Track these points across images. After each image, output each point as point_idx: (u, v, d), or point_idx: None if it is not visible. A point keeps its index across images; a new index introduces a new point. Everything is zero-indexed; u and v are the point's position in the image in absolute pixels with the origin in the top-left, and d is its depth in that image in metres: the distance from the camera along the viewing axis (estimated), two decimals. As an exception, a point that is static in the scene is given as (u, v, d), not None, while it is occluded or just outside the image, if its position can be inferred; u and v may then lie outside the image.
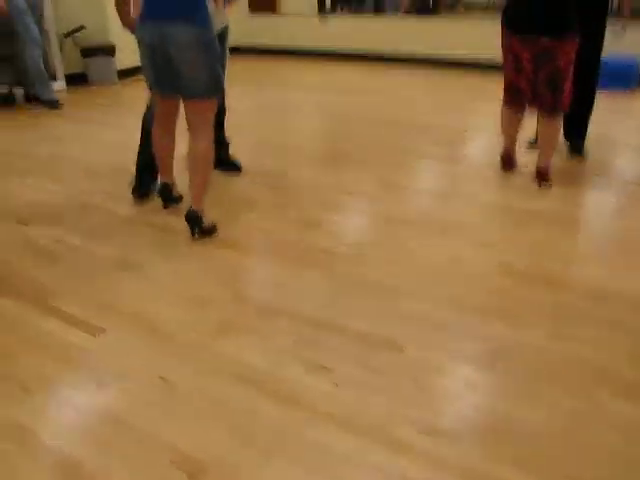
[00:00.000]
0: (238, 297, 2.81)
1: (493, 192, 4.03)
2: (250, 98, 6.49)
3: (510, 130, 4.27)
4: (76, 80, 7.24)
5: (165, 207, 3.71)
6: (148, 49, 3.17)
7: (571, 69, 3.86)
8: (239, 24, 8.63)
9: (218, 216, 3.53)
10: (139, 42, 3.22)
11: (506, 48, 3.99)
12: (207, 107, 3.22)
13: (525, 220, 3.56)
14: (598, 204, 3.85)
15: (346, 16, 9.50)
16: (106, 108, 6.46)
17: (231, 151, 4.34)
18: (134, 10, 3.43)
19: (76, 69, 7.30)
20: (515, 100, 4.12)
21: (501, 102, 4.23)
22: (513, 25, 3.90)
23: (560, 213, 3.68)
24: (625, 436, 1.96)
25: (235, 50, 8.40)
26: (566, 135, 4.62)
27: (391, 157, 4.71)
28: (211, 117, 3.26)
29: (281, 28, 9.21)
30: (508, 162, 4.31)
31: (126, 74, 7.38)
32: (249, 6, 9.41)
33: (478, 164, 4.54)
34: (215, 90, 3.20)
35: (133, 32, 3.30)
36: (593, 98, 4.50)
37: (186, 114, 3.25)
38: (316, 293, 2.84)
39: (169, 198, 3.70)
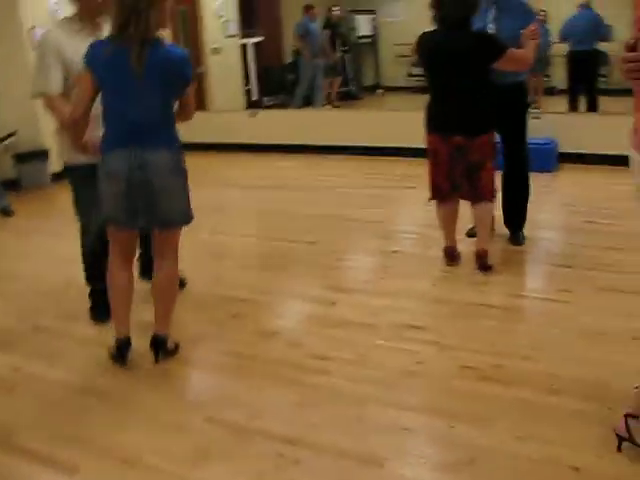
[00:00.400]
0: (209, 420, 2.82)
1: (441, 288, 4.16)
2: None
3: (446, 224, 4.42)
4: (8, 186, 7.18)
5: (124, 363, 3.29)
6: (120, 179, 2.95)
7: (489, 160, 4.15)
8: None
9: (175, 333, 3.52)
10: (105, 173, 3.01)
11: (427, 144, 4.25)
12: (178, 233, 3.18)
13: (475, 314, 3.69)
14: (540, 292, 4.03)
15: (275, 110, 9.77)
16: (46, 216, 6.42)
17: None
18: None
19: (9, 175, 7.25)
20: (441, 195, 4.31)
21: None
22: (432, 123, 4.20)
23: (506, 305, 3.85)
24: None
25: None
26: (505, 224, 4.81)
27: (332, 256, 4.82)
28: (178, 241, 3.20)
29: (212, 124, 9.34)
30: (451, 255, 4.43)
31: (60, 177, 7.35)
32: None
33: (422, 259, 4.66)
34: (190, 217, 3.17)
35: (90, 154, 3.15)
36: (527, 188, 4.68)
37: (156, 244, 3.20)
38: (285, 408, 2.88)
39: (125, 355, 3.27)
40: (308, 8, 11.01)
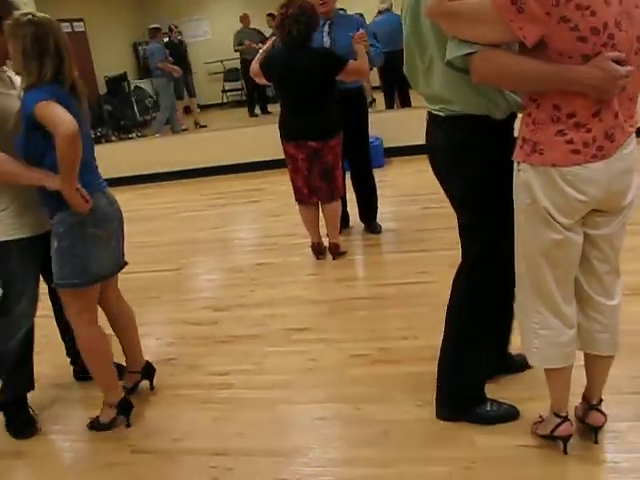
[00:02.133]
0: (136, 451, 2.93)
1: (312, 290, 4.45)
2: None
3: (310, 223, 4.86)
4: None
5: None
6: (112, 219, 2.93)
7: (339, 160, 4.68)
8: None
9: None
10: (97, 219, 2.82)
11: (285, 152, 4.66)
12: None
13: (349, 308, 4.04)
14: (402, 278, 4.42)
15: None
16: None
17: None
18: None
19: None
20: (302, 198, 4.75)
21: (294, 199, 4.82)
22: (286, 134, 4.64)
23: (374, 294, 4.22)
24: None
25: None
26: (361, 219, 5.40)
27: (200, 278, 5.02)
28: None
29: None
30: (318, 250, 4.90)
31: None
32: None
33: (286, 266, 4.93)
34: None
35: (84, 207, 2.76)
36: (373, 183, 5.30)
37: (112, 287, 3.14)
38: (204, 425, 3.06)
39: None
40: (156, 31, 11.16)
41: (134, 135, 11.67)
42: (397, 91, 9.19)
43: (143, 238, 6.01)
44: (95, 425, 3.13)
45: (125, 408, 3.12)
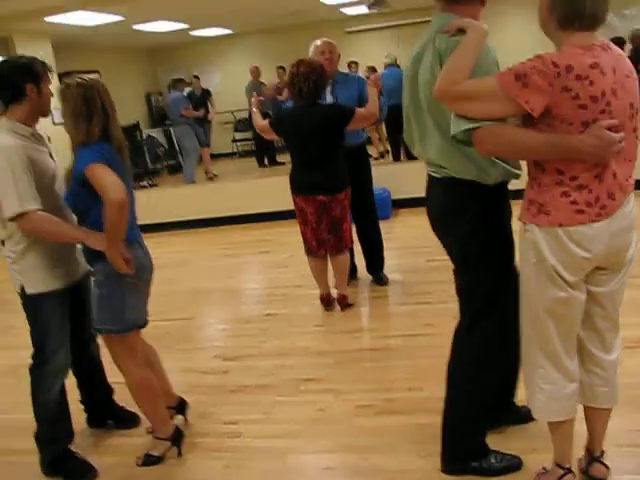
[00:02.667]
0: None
1: (320, 341, 4.55)
2: None
3: (319, 274, 4.99)
4: None
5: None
6: (147, 269, 3.19)
7: (348, 213, 4.84)
8: None
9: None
10: (138, 267, 3.01)
11: (295, 205, 4.83)
12: None
13: (356, 359, 4.14)
14: (407, 330, 4.52)
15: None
16: None
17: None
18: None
19: None
20: (311, 249, 4.89)
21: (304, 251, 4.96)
22: (296, 187, 4.81)
23: (380, 346, 4.33)
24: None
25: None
26: (368, 271, 5.53)
27: (211, 328, 5.14)
28: None
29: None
30: (327, 302, 5.02)
31: None
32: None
33: (295, 317, 5.05)
34: None
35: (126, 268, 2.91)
36: (379, 236, 5.47)
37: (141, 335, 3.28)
38: (215, 474, 3.15)
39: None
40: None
41: (145, 183, 11.90)
42: (403, 144, 9.40)
43: (154, 287, 6.10)
44: (149, 460, 3.25)
45: (178, 439, 3.30)
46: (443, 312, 4.54)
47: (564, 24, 2.15)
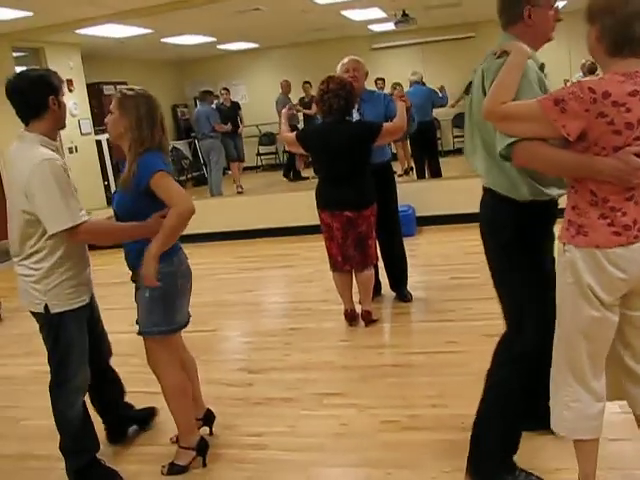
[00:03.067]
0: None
1: (344, 356, 4.58)
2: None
3: (344, 290, 5.03)
4: None
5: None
6: (189, 275, 3.23)
7: (373, 229, 4.87)
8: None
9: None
10: (182, 272, 3.14)
11: (320, 221, 4.88)
12: None
13: (380, 375, 4.17)
14: (431, 347, 4.54)
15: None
16: None
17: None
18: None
19: None
20: (336, 265, 4.93)
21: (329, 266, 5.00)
22: (322, 203, 4.87)
23: (404, 362, 4.34)
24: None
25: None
26: (392, 287, 5.56)
27: (235, 340, 5.19)
28: None
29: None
30: (351, 317, 5.05)
31: None
32: None
33: (319, 332, 5.09)
34: None
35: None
36: (403, 252, 5.50)
37: (180, 340, 3.39)
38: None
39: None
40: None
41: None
42: (427, 161, 9.45)
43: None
44: (174, 469, 3.28)
45: (203, 449, 3.33)
46: (466, 330, 4.60)
47: (614, 51, 2.23)
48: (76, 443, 3.21)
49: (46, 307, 3.00)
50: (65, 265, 3.02)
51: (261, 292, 6.48)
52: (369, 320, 5.01)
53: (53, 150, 2.99)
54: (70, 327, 3.06)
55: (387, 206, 5.21)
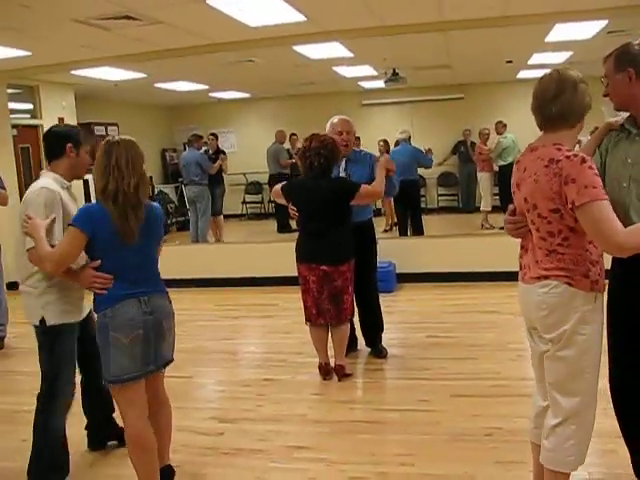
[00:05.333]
0: None
1: (316, 410, 4.58)
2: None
3: (319, 344, 5.05)
4: None
5: None
6: (136, 326, 3.09)
7: (350, 285, 4.91)
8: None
9: None
10: (118, 325, 3.08)
11: (298, 273, 4.96)
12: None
13: (351, 431, 4.17)
14: (403, 404, 4.54)
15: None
16: None
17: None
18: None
19: None
20: (312, 318, 4.97)
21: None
22: (300, 255, 4.95)
23: (375, 419, 4.35)
24: None
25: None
26: (367, 343, 5.63)
27: (209, 388, 5.19)
28: None
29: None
30: (325, 371, 5.05)
31: None
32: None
33: (293, 384, 5.10)
34: None
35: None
36: (379, 309, 5.55)
37: (152, 390, 3.33)
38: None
39: None
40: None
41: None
42: (410, 218, 9.55)
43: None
44: None
45: None
46: (439, 389, 4.63)
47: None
48: (55, 458, 3.46)
49: (42, 320, 3.39)
50: (60, 285, 3.39)
51: (238, 341, 6.49)
52: (342, 374, 5.01)
53: (63, 188, 3.53)
54: (64, 339, 3.43)
55: (366, 264, 5.27)
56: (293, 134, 13.16)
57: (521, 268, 2.78)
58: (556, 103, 2.55)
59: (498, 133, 11.39)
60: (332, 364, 5.10)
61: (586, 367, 2.61)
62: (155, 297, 3.23)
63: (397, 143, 10.25)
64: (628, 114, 2.77)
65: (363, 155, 5.49)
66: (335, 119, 5.28)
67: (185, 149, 15.45)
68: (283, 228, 12.06)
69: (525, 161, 2.68)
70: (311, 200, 4.82)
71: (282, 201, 5.18)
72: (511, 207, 2.80)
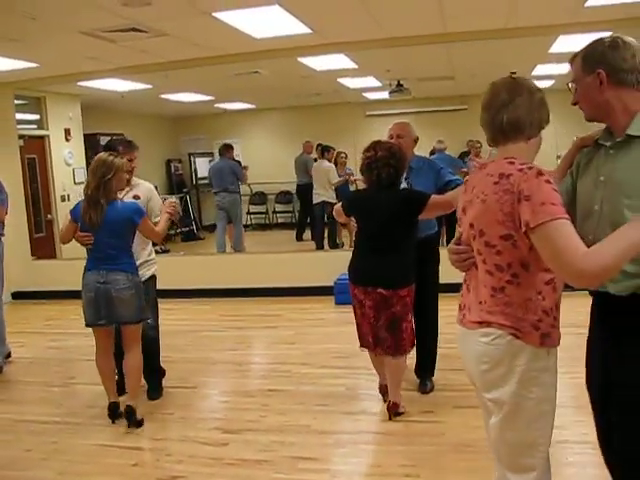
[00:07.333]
0: None
1: (321, 420, 4.57)
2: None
3: (378, 367, 4.67)
4: None
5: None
6: (92, 294, 4.39)
7: (410, 312, 4.35)
8: (22, 269, 8.95)
9: None
10: (83, 286, 4.47)
11: (352, 296, 4.44)
12: (133, 330, 4.55)
13: (356, 442, 4.19)
14: (408, 415, 4.53)
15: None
16: None
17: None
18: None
19: None
20: (366, 345, 4.51)
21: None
22: (354, 277, 4.43)
23: (381, 430, 4.37)
24: None
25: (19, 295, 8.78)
26: (416, 374, 5.07)
27: (213, 399, 5.18)
28: (137, 336, 4.56)
29: (61, 272, 9.41)
30: (384, 391, 4.65)
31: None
32: (31, 253, 9.72)
33: (297, 395, 5.10)
34: (140, 318, 4.56)
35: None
36: (435, 342, 5.05)
37: (124, 338, 4.55)
38: None
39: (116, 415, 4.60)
40: None
41: (158, 248, 11.98)
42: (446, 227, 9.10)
43: (164, 354, 6.17)
44: None
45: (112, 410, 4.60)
46: (444, 400, 4.63)
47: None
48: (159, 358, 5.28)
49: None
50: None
51: (243, 352, 6.50)
52: (395, 412, 4.44)
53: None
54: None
55: (426, 283, 4.68)
56: (321, 145, 12.46)
57: (460, 309, 2.38)
58: (508, 110, 2.21)
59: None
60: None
61: (539, 437, 2.25)
62: (113, 273, 4.40)
63: (433, 152, 10.23)
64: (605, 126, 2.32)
65: (429, 163, 4.96)
66: (391, 125, 4.87)
67: (190, 160, 15.60)
68: (334, 245, 11.49)
69: (474, 180, 2.31)
70: (377, 214, 4.31)
71: (344, 219, 4.84)
72: (457, 234, 2.37)
